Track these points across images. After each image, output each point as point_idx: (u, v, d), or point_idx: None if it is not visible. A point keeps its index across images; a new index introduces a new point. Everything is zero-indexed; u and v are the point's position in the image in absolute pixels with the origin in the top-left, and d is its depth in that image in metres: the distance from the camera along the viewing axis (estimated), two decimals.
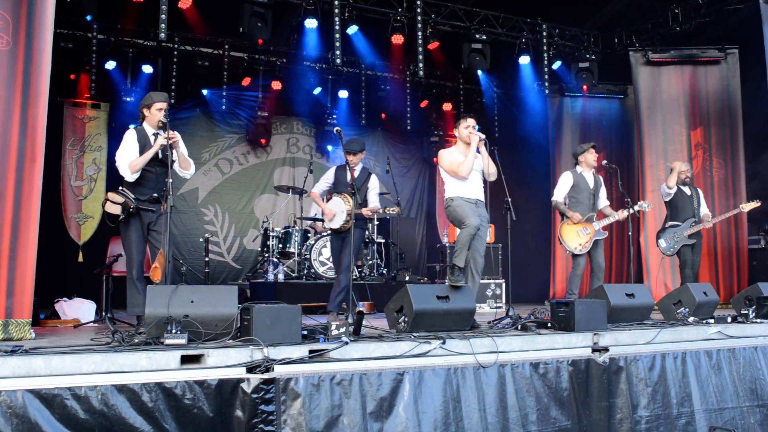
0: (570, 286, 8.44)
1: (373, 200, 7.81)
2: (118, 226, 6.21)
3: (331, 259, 10.14)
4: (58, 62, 7.87)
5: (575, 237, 8.35)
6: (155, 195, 6.16)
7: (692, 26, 11.88)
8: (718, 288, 11.13)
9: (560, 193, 8.63)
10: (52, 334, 6.19)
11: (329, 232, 8.21)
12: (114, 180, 11.68)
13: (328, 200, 8.01)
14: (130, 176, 6.11)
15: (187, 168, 6.49)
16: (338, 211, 7.61)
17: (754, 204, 9.26)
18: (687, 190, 9.26)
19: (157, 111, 6.24)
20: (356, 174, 7.72)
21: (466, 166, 6.76)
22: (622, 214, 8.41)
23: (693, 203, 9.19)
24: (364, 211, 7.58)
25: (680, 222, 9.13)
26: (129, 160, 6.12)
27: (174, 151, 6.12)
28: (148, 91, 6.51)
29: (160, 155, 6.19)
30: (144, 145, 6.20)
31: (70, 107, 12.12)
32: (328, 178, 8.02)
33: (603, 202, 8.69)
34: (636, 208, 8.48)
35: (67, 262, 11.67)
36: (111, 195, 6.11)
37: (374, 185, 7.93)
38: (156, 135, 6.28)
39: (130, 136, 6.23)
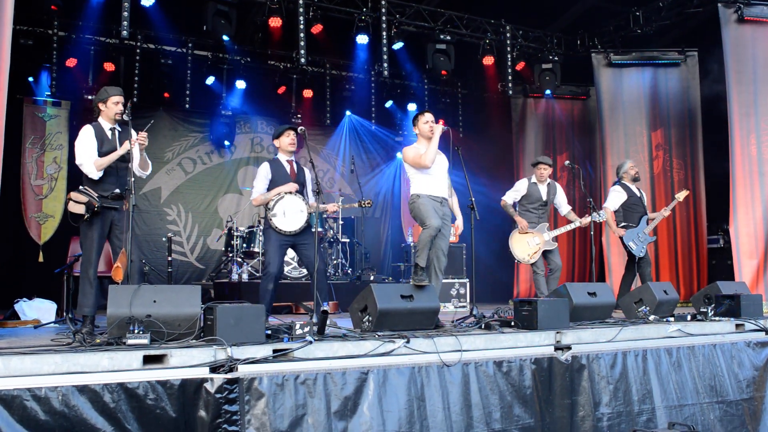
0: (537, 287, 8.63)
1: (311, 196, 7.28)
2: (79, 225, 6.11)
3: (296, 259, 10.09)
4: (18, 59, 7.76)
5: (524, 247, 8.57)
6: (117, 191, 6.07)
7: (653, 29, 12.07)
8: (678, 287, 11.31)
9: (510, 195, 8.82)
10: (11, 334, 6.10)
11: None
12: (76, 179, 11.54)
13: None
14: (95, 174, 6.00)
15: (146, 169, 6.43)
16: (296, 210, 6.95)
17: (685, 192, 9.26)
18: (636, 190, 9.19)
19: (113, 105, 6.16)
20: (295, 168, 7.23)
21: (429, 155, 6.71)
22: (585, 220, 8.58)
23: (643, 202, 9.20)
24: (329, 209, 7.24)
25: (635, 223, 8.98)
26: (92, 157, 6.03)
27: (136, 151, 6.08)
28: (104, 86, 6.41)
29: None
30: (102, 140, 6.10)
31: (29, 105, 11.92)
32: (265, 175, 7.12)
33: (565, 209, 8.92)
34: (591, 218, 8.59)
35: (27, 262, 11.50)
36: (74, 195, 5.98)
37: (309, 178, 7.31)
38: (113, 129, 6.21)
39: (87, 133, 6.09)
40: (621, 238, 8.96)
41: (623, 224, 8.99)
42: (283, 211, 6.90)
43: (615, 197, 9.13)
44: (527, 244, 8.56)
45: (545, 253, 8.57)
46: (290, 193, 6.97)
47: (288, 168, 7.16)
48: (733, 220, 10.09)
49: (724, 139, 10.37)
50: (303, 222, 6.90)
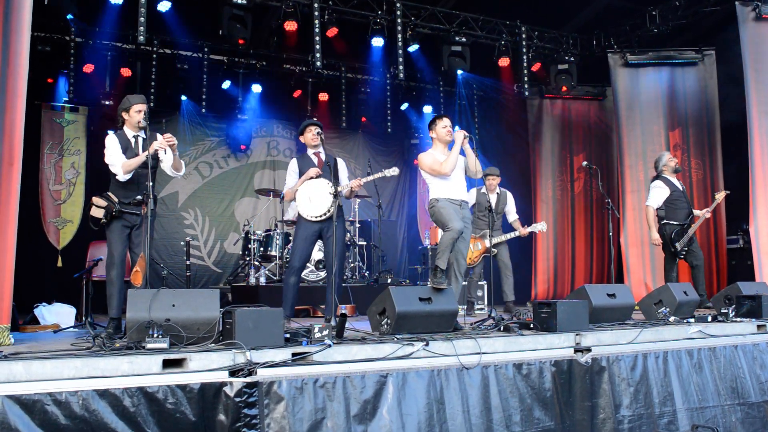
0: (502, 288, 9.13)
1: (345, 182, 7.37)
2: (102, 229, 6.16)
3: (314, 262, 10.08)
4: (36, 66, 7.79)
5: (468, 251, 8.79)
6: (139, 197, 6.13)
7: (669, 28, 12.00)
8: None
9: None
10: (31, 339, 6.12)
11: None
12: (94, 184, 11.68)
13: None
14: (122, 176, 6.07)
15: (180, 169, 6.51)
16: (321, 193, 7.05)
17: (723, 193, 9.21)
18: (678, 183, 8.90)
19: (136, 113, 6.23)
20: (323, 158, 7.37)
21: (449, 163, 6.72)
22: (525, 231, 9.15)
23: (686, 196, 8.93)
24: (353, 184, 7.23)
25: (679, 220, 8.75)
26: (121, 159, 6.09)
27: (168, 153, 6.20)
28: (127, 95, 6.46)
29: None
30: (126, 147, 6.18)
31: (48, 111, 12.02)
32: (293, 170, 7.36)
33: (512, 217, 9.48)
34: (530, 229, 9.26)
35: (47, 267, 11.57)
36: (96, 199, 6.10)
37: (344, 167, 7.50)
38: (137, 137, 6.28)
39: (112, 141, 6.19)
40: (671, 236, 8.75)
41: (665, 221, 8.79)
42: (308, 197, 7.07)
43: (657, 194, 8.84)
44: (470, 250, 8.85)
45: (495, 258, 9.08)
46: (312, 178, 7.13)
47: (315, 160, 7.34)
48: (753, 220, 9.97)
49: (742, 137, 10.26)
50: (329, 204, 6.98)
